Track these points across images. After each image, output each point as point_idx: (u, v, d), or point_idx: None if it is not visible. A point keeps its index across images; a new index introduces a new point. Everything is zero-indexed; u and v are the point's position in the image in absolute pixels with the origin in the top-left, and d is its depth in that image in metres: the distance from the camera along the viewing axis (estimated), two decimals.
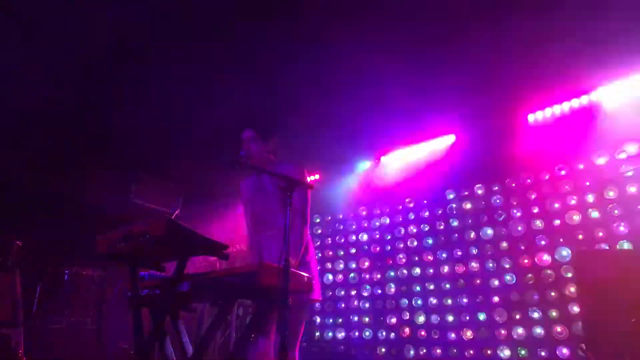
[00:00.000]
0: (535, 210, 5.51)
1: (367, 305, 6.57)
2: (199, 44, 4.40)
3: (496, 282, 5.57)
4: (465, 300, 5.73)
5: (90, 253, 2.52)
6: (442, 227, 6.22)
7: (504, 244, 5.63)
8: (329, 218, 7.41)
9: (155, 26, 4.16)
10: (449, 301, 5.83)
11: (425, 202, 6.48)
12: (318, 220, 7.46)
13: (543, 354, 4.99)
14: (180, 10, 4.02)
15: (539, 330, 5.10)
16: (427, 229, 6.35)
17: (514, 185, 5.77)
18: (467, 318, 5.62)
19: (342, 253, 7.11)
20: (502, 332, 5.34)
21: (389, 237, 6.68)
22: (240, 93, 5.10)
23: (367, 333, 6.38)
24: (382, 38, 4.38)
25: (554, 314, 5.07)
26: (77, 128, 5.63)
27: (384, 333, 6.24)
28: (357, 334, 6.47)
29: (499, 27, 4.21)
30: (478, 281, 5.71)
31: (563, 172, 5.41)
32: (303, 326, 2.78)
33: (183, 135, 5.96)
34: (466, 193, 6.14)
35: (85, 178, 6.23)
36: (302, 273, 2.34)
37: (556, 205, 5.36)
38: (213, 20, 4.14)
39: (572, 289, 4.96)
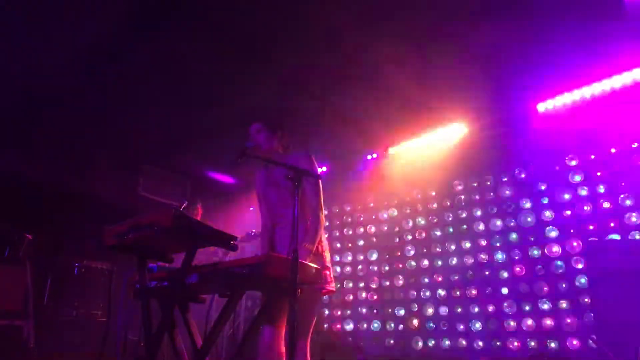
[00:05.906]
0: (545, 201, 5.45)
1: (375, 297, 6.56)
2: (204, 33, 4.37)
3: (505, 274, 5.53)
4: (474, 291, 5.70)
5: (99, 246, 2.52)
6: (450, 218, 6.18)
7: (514, 235, 5.59)
8: (337, 210, 7.39)
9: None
10: (458, 293, 5.81)
11: (433, 193, 6.44)
12: (326, 212, 7.39)
13: (553, 345, 4.96)
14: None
15: (548, 322, 5.07)
16: (435, 220, 6.31)
17: (523, 176, 5.71)
18: (476, 310, 5.60)
19: (350, 245, 7.10)
20: (512, 323, 5.31)
21: (397, 229, 6.65)
22: (247, 85, 5.08)
23: (376, 325, 6.38)
24: (391, 28, 4.33)
25: (564, 305, 5.03)
26: (84, 122, 5.64)
27: (392, 325, 6.24)
28: (365, 325, 6.47)
29: (509, 16, 4.14)
30: (487, 272, 5.67)
31: (574, 163, 5.34)
32: (315, 318, 2.74)
33: (190, 128, 5.95)
34: (475, 184, 6.09)
35: (93, 171, 6.26)
36: (311, 264, 2.32)
37: (567, 196, 5.30)
38: (220, 12, 4.11)
39: (583, 280, 4.92)
